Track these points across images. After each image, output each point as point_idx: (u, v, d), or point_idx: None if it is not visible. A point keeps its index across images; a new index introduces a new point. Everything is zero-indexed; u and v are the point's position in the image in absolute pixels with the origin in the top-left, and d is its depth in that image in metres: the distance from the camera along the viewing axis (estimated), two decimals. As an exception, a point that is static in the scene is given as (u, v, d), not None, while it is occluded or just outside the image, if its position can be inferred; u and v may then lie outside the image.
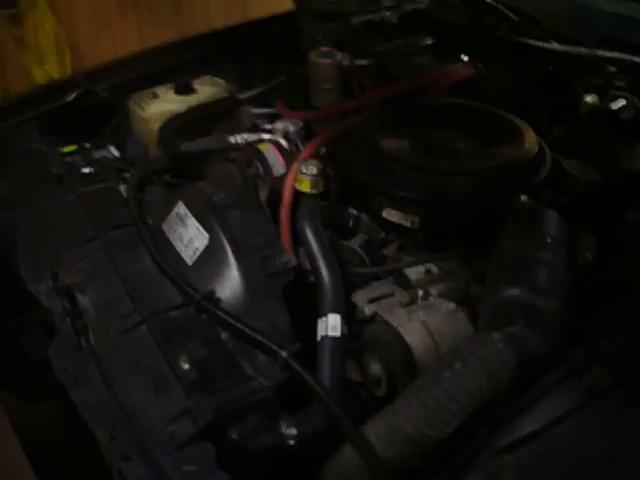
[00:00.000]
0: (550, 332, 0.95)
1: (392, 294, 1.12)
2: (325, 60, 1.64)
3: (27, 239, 1.29)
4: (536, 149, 1.30)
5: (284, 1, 1.96)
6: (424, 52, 1.75)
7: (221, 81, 1.72)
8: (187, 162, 1.53)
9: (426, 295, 1.15)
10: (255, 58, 1.82)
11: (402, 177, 1.25)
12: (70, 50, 2.51)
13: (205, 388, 0.93)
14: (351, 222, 1.32)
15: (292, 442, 0.90)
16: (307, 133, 1.53)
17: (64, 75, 2.22)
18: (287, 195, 1.35)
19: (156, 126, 1.57)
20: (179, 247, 1.16)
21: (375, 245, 1.30)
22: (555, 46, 1.56)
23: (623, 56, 1.42)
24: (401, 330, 1.02)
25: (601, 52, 1.51)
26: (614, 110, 1.38)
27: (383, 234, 1.32)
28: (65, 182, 1.41)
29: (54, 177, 1.44)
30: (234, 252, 1.10)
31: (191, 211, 1.17)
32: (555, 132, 1.51)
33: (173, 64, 1.76)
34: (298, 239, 1.21)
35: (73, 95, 1.67)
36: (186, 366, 0.96)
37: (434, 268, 1.23)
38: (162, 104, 1.61)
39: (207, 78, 1.72)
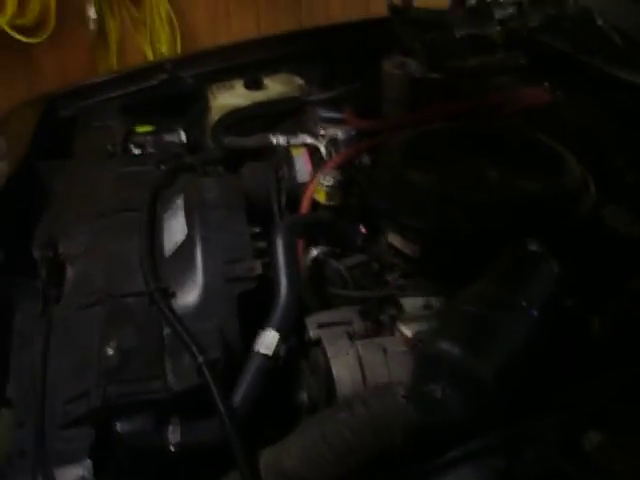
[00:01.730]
0: (477, 400, 0.84)
1: (348, 323, 1.05)
2: (397, 70, 1.58)
3: (55, 208, 1.37)
4: (572, 188, 1.15)
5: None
6: (510, 72, 1.61)
7: (298, 80, 1.72)
8: (239, 158, 1.54)
9: (391, 332, 1.06)
10: (344, 61, 1.78)
11: (407, 202, 1.17)
12: (187, 37, 2.64)
13: (114, 376, 0.93)
14: (359, 241, 1.26)
15: (173, 449, 0.88)
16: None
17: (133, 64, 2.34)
18: (305, 204, 1.32)
19: (216, 118, 1.60)
20: (165, 238, 1.18)
21: (378, 269, 1.23)
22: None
23: None
24: (333, 363, 0.96)
25: None
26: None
27: (391, 258, 1.24)
28: (113, 160, 1.48)
29: (107, 154, 1.52)
30: (201, 250, 1.10)
31: (184, 204, 1.19)
32: (627, 178, 1.33)
33: (261, 58, 1.78)
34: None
35: (158, 79, 1.74)
36: (110, 352, 0.97)
37: (435, 303, 1.14)
38: (228, 97, 1.64)
39: (283, 75, 1.72)
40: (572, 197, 1.14)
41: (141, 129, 1.68)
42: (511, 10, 1.86)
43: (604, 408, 0.84)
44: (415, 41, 1.75)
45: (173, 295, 1.07)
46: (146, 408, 0.90)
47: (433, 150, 1.27)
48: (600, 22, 1.64)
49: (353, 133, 1.48)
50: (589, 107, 1.43)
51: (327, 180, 1.28)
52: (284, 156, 1.40)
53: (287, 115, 1.65)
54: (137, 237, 1.20)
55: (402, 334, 1.06)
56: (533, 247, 1.04)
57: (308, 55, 1.79)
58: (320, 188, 1.29)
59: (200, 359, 0.94)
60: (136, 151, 1.52)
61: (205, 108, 1.73)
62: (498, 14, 1.85)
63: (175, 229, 1.17)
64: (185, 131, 1.69)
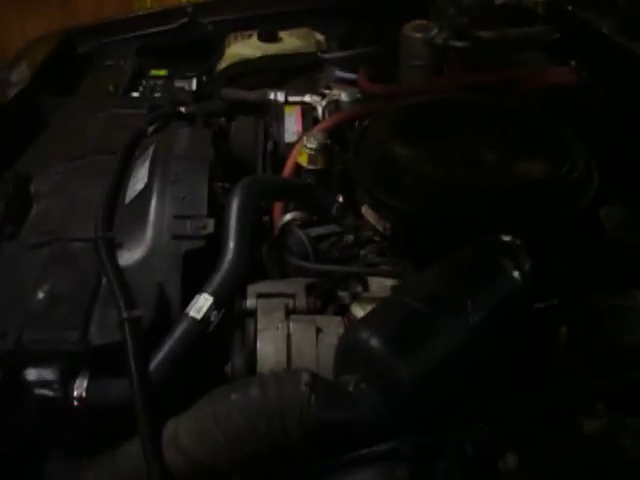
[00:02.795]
0: (391, 402, 0.76)
1: (289, 296, 0.98)
2: (417, 34, 1.48)
3: (40, 144, 1.35)
4: (569, 177, 1.04)
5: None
6: (540, 48, 1.48)
7: (318, 36, 1.63)
8: (241, 110, 1.49)
9: (339, 310, 1.00)
10: (368, 20, 1.68)
11: (385, 177, 1.08)
12: None
13: (35, 321, 0.90)
14: (334, 210, 1.18)
15: (76, 402, 0.85)
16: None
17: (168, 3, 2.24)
18: (289, 165, 1.26)
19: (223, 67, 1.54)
20: (130, 185, 1.14)
21: (353, 242, 1.16)
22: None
23: None
24: (259, 336, 0.90)
25: None
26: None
27: (369, 233, 1.16)
28: (110, 101, 1.45)
29: (108, 94, 1.48)
30: (156, 203, 1.05)
31: (152, 153, 1.14)
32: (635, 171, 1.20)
33: (284, 10, 1.70)
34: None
35: (178, 23, 1.69)
36: (40, 296, 0.94)
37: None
38: (241, 46, 1.58)
39: (303, 30, 1.64)
40: (565, 190, 1.03)
41: (155, 72, 1.64)
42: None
43: (528, 430, 0.76)
44: (450, 5, 1.64)
45: (119, 246, 1.02)
46: (57, 359, 0.87)
47: (425, 124, 1.18)
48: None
49: (358, 95, 1.40)
50: (612, 93, 1.30)
51: (311, 142, 1.21)
52: (276, 113, 1.33)
53: (301, 71, 1.57)
54: (104, 182, 1.16)
55: (349, 316, 0.99)
56: (503, 243, 0.94)
57: (332, 10, 1.70)
58: (304, 150, 1.22)
59: (123, 314, 0.89)
60: (135, 93, 1.48)
61: (221, 57, 1.68)
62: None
63: (139, 177, 1.13)
64: (198, 78, 1.64)
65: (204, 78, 1.64)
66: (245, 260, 0.99)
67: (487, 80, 1.35)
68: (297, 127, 1.30)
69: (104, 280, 0.99)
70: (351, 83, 1.52)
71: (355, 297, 1.05)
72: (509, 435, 0.75)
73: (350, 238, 1.16)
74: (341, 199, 1.18)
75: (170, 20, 1.70)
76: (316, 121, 1.34)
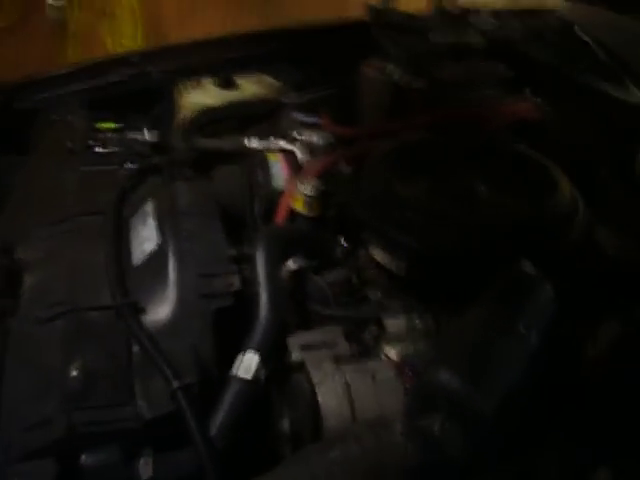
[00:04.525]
0: (475, 435, 0.78)
1: (332, 345, 0.98)
2: (376, 75, 1.52)
3: (11, 209, 1.26)
4: (566, 208, 1.11)
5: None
6: (492, 83, 1.57)
7: (271, 81, 1.64)
8: (209, 160, 1.46)
9: (376, 353, 1.00)
10: (318, 64, 1.71)
11: (395, 215, 1.11)
12: (151, 30, 2.52)
13: (79, 402, 0.85)
14: (338, 254, 1.19)
15: (144, 484, 0.80)
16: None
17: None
18: (281, 213, 1.25)
19: (186, 117, 1.52)
20: (134, 245, 1.09)
21: (358, 284, 1.17)
22: (631, 97, 1.34)
23: None
24: (318, 389, 0.89)
25: None
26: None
27: (372, 273, 1.18)
28: (75, 158, 1.39)
29: (67, 151, 1.42)
30: (174, 262, 1.02)
31: (154, 210, 1.10)
32: (613, 193, 1.30)
33: (231, 57, 1.70)
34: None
35: (123, 73, 1.65)
36: (74, 373, 0.88)
37: (418, 323, 1.09)
38: (199, 95, 1.56)
39: (257, 76, 1.64)
40: (566, 218, 1.10)
41: (104, 126, 1.58)
42: (491, 19, 1.83)
43: (612, 442, 0.80)
44: (394, 46, 1.70)
45: (143, 310, 0.98)
46: (115, 438, 0.82)
47: (421, 162, 1.22)
48: (583, 36, 1.62)
49: (331, 139, 1.42)
50: (576, 122, 1.40)
51: (307, 189, 1.21)
52: (260, 161, 1.32)
53: (261, 118, 1.57)
54: (102, 244, 1.11)
55: (389, 358, 1.00)
56: (528, 270, 1.00)
57: (282, 56, 1.72)
58: (299, 197, 1.22)
59: (174, 383, 0.86)
60: (99, 149, 1.42)
61: (172, 106, 1.65)
62: (477, 23, 1.82)
63: (144, 237, 1.09)
64: (151, 130, 1.60)
65: (159, 129, 1.61)
66: (282, 312, 0.98)
67: (456, 118, 1.41)
68: (284, 173, 1.30)
69: (135, 348, 0.94)
70: (314, 127, 1.53)
71: (377, 339, 1.06)
72: (595, 450, 0.78)
73: (356, 281, 1.17)
74: (344, 242, 1.19)
75: (115, 71, 1.65)
76: (297, 167, 1.34)
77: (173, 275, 1.01)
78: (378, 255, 1.14)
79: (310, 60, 1.72)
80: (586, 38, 1.59)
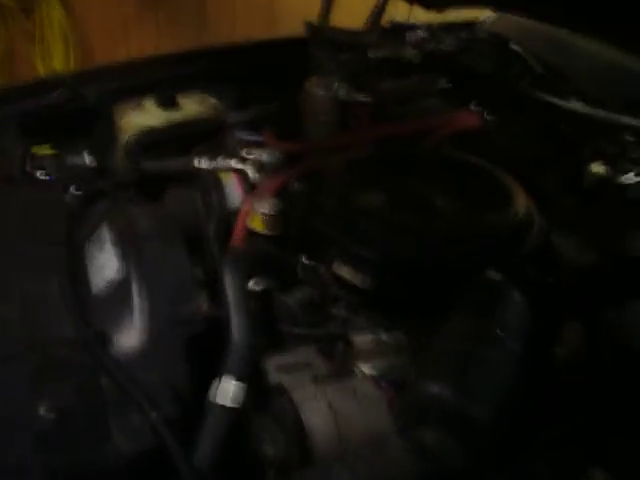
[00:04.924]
0: (476, 445, 0.79)
1: (309, 365, 0.97)
2: (321, 91, 1.52)
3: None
4: (521, 217, 1.14)
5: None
6: (434, 95, 1.60)
7: (212, 100, 1.62)
8: (154, 182, 1.42)
9: (354, 371, 0.99)
10: (256, 81, 1.70)
11: (357, 229, 1.10)
12: (82, 51, 2.44)
13: (54, 444, 0.80)
14: (300, 272, 1.18)
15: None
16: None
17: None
18: (238, 233, 1.22)
19: (128, 138, 1.47)
20: (91, 274, 1.05)
21: (321, 301, 1.16)
22: (574, 105, 1.39)
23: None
24: (302, 411, 0.87)
25: (623, 118, 1.34)
26: (622, 185, 1.20)
27: (335, 289, 1.17)
28: (14, 185, 1.32)
29: (5, 178, 1.35)
30: (139, 290, 0.98)
31: (111, 236, 1.06)
32: (562, 201, 1.34)
33: (168, 76, 1.66)
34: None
35: (57, 95, 1.58)
36: (45, 415, 0.83)
37: (385, 337, 1.09)
38: (140, 115, 1.51)
39: (196, 95, 1.61)
40: (524, 225, 1.13)
41: (40, 151, 1.51)
42: (423, 33, 1.87)
43: (604, 442, 0.82)
44: (331, 62, 1.71)
45: (110, 341, 0.94)
46: (99, 479, 0.78)
47: (377, 174, 1.22)
48: (516, 47, 1.67)
49: (279, 156, 1.41)
50: (519, 130, 1.44)
51: (265, 207, 1.19)
52: (212, 181, 1.30)
53: (204, 137, 1.54)
54: (56, 274, 1.05)
55: (364, 374, 0.99)
56: (495, 277, 1.02)
57: (220, 74, 1.69)
58: (257, 216, 1.20)
59: (154, 415, 0.82)
60: (39, 175, 1.36)
61: (111, 128, 1.59)
62: (410, 37, 1.86)
63: (103, 264, 1.04)
64: (90, 153, 1.54)
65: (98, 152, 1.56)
66: (254, 334, 0.96)
67: (401, 131, 1.43)
68: (238, 192, 1.28)
69: (104, 382, 0.90)
70: (257, 144, 1.52)
71: (345, 356, 1.06)
72: (587, 451, 0.80)
73: (317, 298, 1.16)
74: (306, 260, 1.18)
75: (47, 92, 1.58)
76: (251, 186, 1.32)
77: (139, 303, 0.97)
78: (342, 270, 1.13)
79: (248, 77, 1.70)
80: (520, 51, 1.64)
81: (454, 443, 0.78)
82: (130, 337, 0.95)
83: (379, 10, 1.79)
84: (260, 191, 1.25)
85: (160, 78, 1.66)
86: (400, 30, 1.84)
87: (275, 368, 0.95)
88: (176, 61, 1.70)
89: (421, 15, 1.81)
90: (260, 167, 1.38)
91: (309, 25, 1.73)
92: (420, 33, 1.85)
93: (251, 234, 1.22)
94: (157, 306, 0.97)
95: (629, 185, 1.21)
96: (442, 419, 0.79)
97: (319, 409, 0.88)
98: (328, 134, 1.52)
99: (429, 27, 1.86)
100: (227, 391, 0.88)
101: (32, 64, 2.43)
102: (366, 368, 1.02)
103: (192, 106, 1.56)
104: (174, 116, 1.52)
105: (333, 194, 1.17)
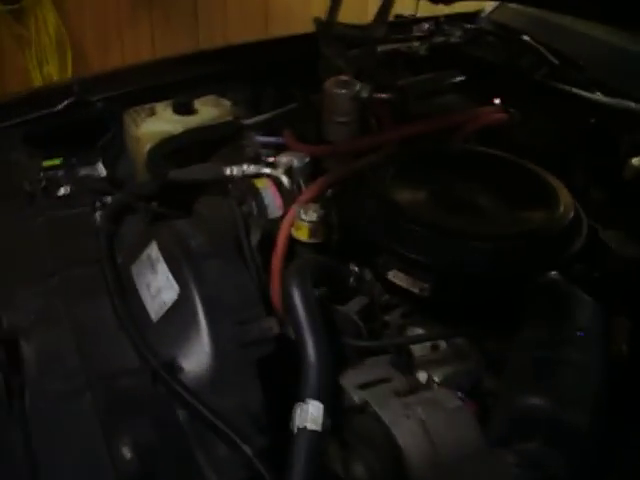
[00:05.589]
0: (576, 453, 0.78)
1: (388, 379, 0.94)
2: (342, 90, 1.48)
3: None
4: (572, 215, 1.12)
5: (307, 19, 1.80)
6: (452, 90, 1.58)
7: (227, 103, 1.56)
8: (179, 191, 1.37)
9: (429, 382, 0.97)
10: (267, 80, 1.65)
11: (414, 236, 1.07)
12: (75, 54, 2.32)
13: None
14: (352, 280, 1.14)
15: None
16: (316, 170, 1.36)
17: (63, 79, 2.02)
18: (281, 243, 1.18)
19: (147, 146, 1.41)
20: (145, 297, 1.00)
21: (376, 310, 1.13)
22: (600, 97, 1.38)
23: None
24: (394, 430, 0.84)
25: None
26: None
27: (387, 297, 1.14)
28: (36, 202, 1.25)
29: (25, 195, 1.28)
30: (205, 312, 0.93)
31: (164, 255, 1.01)
32: (593, 195, 1.33)
33: (178, 80, 1.60)
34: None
35: (64, 103, 1.51)
36: (127, 454, 0.79)
37: (443, 345, 1.07)
38: (157, 123, 1.45)
39: (211, 98, 1.56)
40: (574, 224, 1.11)
41: (49, 163, 1.44)
42: (428, 25, 1.84)
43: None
44: (340, 58, 1.67)
45: (180, 370, 0.89)
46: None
47: (420, 175, 1.19)
48: (527, 38, 1.66)
49: (307, 160, 1.37)
50: (544, 125, 1.42)
51: (309, 215, 1.15)
52: (248, 190, 1.25)
53: (222, 142, 1.49)
54: (105, 297, 1.00)
55: (440, 385, 0.97)
56: (558, 279, 1.01)
57: (228, 75, 1.64)
58: (301, 224, 1.16)
59: (247, 450, 0.78)
60: (62, 191, 1.29)
61: (121, 136, 1.53)
62: (418, 30, 1.83)
63: (158, 286, 0.99)
64: (105, 162, 1.48)
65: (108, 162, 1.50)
66: (330, 353, 0.92)
67: (429, 128, 1.40)
68: (277, 201, 1.24)
69: (180, 413, 0.86)
70: (277, 147, 1.48)
71: (409, 365, 1.04)
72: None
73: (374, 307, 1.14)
74: (357, 269, 1.15)
75: (55, 101, 1.51)
76: (287, 192, 1.28)
77: (205, 326, 0.92)
78: (398, 277, 1.10)
79: (258, 77, 1.65)
80: (531, 41, 1.63)
81: (558, 453, 0.76)
82: (199, 363, 0.90)
83: (386, 3, 1.75)
84: (303, 199, 1.21)
85: (170, 82, 1.60)
86: (407, 24, 1.81)
87: (354, 386, 0.92)
88: (184, 63, 1.64)
89: (426, 8, 1.79)
90: (290, 172, 1.34)
91: (318, 21, 1.68)
92: (427, 26, 1.83)
93: (294, 243, 1.18)
94: (224, 328, 0.92)
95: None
96: (542, 429, 0.77)
97: (411, 427, 0.85)
98: (350, 134, 1.48)
99: (436, 19, 1.83)
100: (314, 415, 0.84)
101: (24, 70, 2.30)
102: (438, 378, 1.00)
103: (208, 110, 1.51)
104: (192, 122, 1.47)
105: (380, 199, 1.14)
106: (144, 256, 1.04)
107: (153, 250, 1.03)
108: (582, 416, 0.80)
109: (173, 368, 0.89)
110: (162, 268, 1.00)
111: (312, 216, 1.15)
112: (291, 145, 1.43)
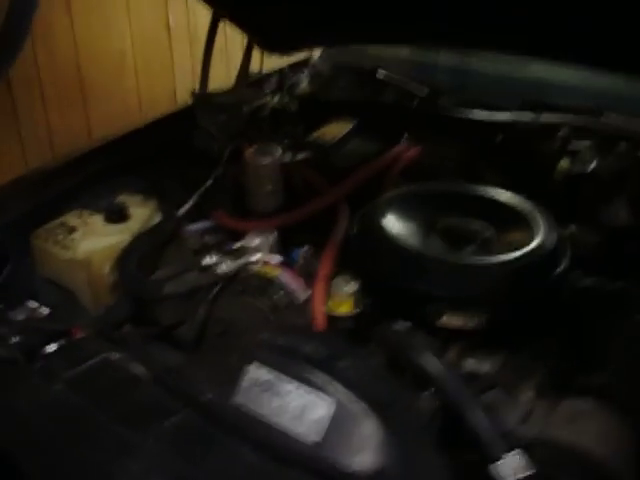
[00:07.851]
0: None
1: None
2: (265, 159, 1.46)
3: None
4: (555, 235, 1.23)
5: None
6: (350, 137, 1.65)
7: (152, 200, 1.43)
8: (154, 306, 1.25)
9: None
10: (158, 166, 1.54)
11: (457, 277, 1.14)
12: None
13: None
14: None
15: None
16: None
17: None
18: (320, 323, 1.15)
19: (100, 267, 1.24)
20: (284, 423, 0.90)
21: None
22: (499, 116, 1.57)
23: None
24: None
25: (551, 118, 1.54)
26: (588, 172, 1.40)
27: (437, 342, 1.18)
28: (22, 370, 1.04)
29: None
30: (374, 412, 0.88)
31: (283, 372, 0.92)
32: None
33: (67, 187, 1.41)
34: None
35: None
36: None
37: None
38: (94, 239, 1.27)
39: (137, 198, 1.41)
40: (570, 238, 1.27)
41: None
42: (275, 77, 1.89)
43: None
44: (212, 125, 1.65)
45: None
46: None
47: (421, 214, 1.27)
48: (381, 76, 1.80)
49: (276, 234, 1.34)
50: (446, 148, 1.56)
51: (349, 287, 1.15)
52: (263, 281, 1.19)
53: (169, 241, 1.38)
54: (221, 445, 0.89)
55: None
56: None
57: (117, 169, 1.49)
58: (341, 299, 1.15)
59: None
60: (50, 348, 1.08)
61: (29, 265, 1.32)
62: (268, 85, 1.87)
63: (296, 405, 0.90)
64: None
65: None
66: (482, 410, 0.94)
67: (365, 176, 1.46)
68: (300, 284, 1.19)
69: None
70: (214, 231, 1.42)
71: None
72: None
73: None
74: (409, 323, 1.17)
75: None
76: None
77: (381, 427, 0.87)
78: (452, 320, 1.15)
79: (149, 165, 1.53)
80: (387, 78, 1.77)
81: None
82: (394, 467, 0.86)
83: (243, 66, 1.76)
84: (323, 274, 1.19)
85: (59, 191, 1.40)
86: (258, 81, 1.83)
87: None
88: (67, 167, 1.45)
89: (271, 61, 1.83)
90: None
91: (194, 94, 1.63)
92: (273, 78, 1.87)
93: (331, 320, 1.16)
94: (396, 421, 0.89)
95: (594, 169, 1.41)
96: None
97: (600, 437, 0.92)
98: (278, 201, 1.47)
99: (281, 71, 1.88)
100: (517, 464, 0.87)
101: None
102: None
103: (138, 211, 1.37)
104: (131, 227, 1.32)
105: (405, 251, 1.17)
106: (246, 384, 0.93)
107: (259, 372, 0.93)
108: None
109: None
110: (286, 388, 0.91)
111: (351, 287, 1.15)
112: (228, 223, 1.39)
